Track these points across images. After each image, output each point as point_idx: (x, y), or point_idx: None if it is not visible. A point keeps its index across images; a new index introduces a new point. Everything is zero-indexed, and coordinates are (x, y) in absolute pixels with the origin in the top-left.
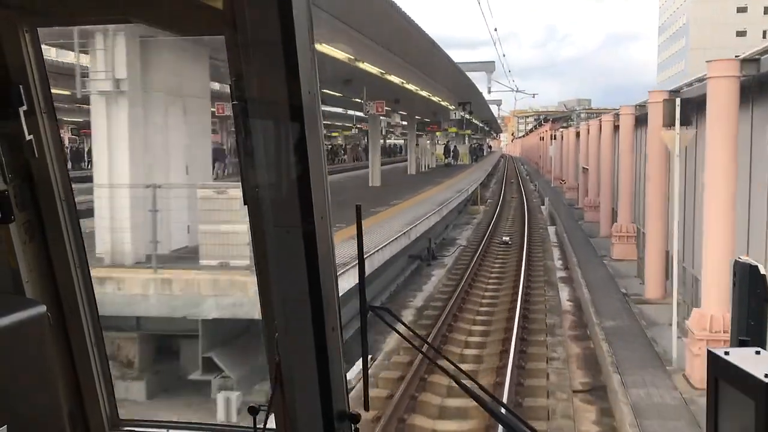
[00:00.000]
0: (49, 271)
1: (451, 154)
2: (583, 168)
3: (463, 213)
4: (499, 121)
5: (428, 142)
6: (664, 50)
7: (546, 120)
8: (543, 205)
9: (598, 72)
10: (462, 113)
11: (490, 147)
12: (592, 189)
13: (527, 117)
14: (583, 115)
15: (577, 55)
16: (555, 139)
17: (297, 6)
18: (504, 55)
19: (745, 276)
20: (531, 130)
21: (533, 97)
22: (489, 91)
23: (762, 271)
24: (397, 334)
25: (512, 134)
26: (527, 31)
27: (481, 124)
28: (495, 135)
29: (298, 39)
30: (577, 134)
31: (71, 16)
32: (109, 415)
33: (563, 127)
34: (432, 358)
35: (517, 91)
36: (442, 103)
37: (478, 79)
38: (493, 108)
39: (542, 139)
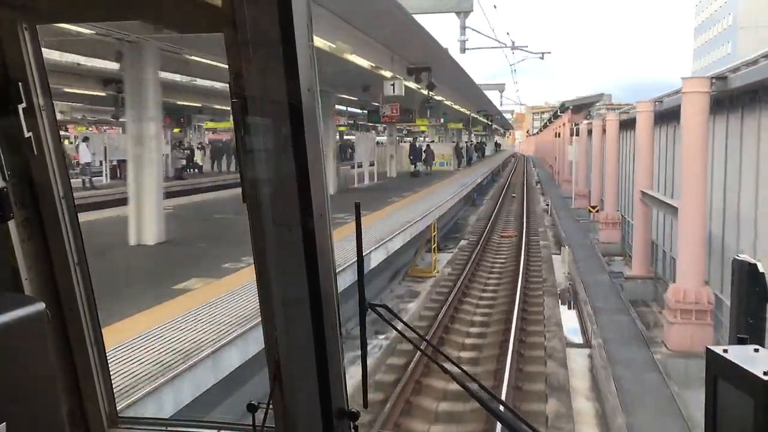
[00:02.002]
0: (48, 268)
1: (423, 156)
2: (644, 195)
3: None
4: (508, 116)
5: (388, 137)
6: (702, 33)
7: (564, 110)
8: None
9: (614, 66)
10: (418, 87)
11: (498, 145)
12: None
13: (543, 113)
14: (602, 111)
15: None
16: (576, 135)
17: (296, 3)
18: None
19: (743, 274)
20: (545, 125)
21: (542, 57)
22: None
23: (761, 269)
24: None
25: (527, 131)
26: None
27: (475, 115)
28: (502, 131)
29: (298, 37)
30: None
31: (71, 13)
32: (108, 412)
33: (588, 119)
34: (431, 356)
35: (514, 47)
36: (382, 71)
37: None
38: (493, 95)
39: (558, 135)
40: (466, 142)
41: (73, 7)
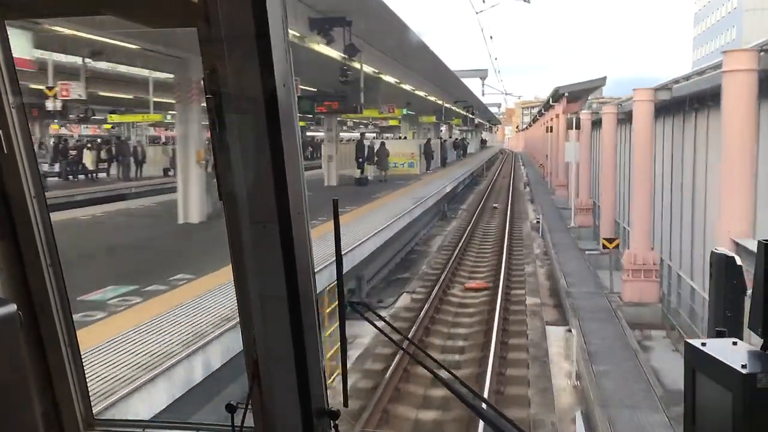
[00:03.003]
0: (19, 269)
1: (375, 156)
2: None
3: None
4: (495, 110)
5: (326, 133)
6: (703, 19)
7: (557, 98)
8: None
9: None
10: (344, 58)
11: (484, 142)
12: None
13: (533, 108)
14: (594, 105)
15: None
16: (575, 128)
17: None
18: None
19: (721, 267)
20: (535, 118)
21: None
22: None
23: (738, 262)
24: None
25: (516, 127)
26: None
27: (451, 106)
28: (488, 126)
29: (272, 32)
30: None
31: (40, 8)
32: (83, 414)
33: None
34: (412, 354)
35: None
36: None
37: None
38: (473, 83)
39: (550, 129)
40: (440, 138)
41: (44, 2)
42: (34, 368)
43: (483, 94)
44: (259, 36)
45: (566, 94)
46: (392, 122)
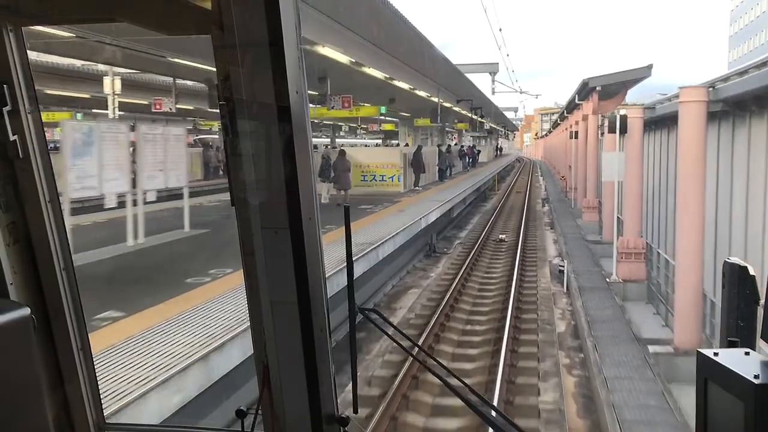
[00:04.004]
0: (33, 273)
1: (332, 170)
2: None
3: None
4: (510, 114)
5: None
6: (741, 15)
7: (585, 94)
8: None
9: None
10: None
11: (499, 150)
12: None
13: (552, 114)
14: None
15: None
16: (619, 132)
17: (284, 6)
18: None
19: (734, 277)
20: (556, 123)
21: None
22: None
23: (751, 272)
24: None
25: (536, 134)
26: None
27: (450, 105)
28: (504, 131)
29: (286, 39)
30: None
31: (57, 15)
32: (95, 418)
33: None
34: (422, 360)
35: None
36: None
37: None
38: (479, 79)
39: (574, 135)
40: (440, 145)
41: (60, 9)
42: (46, 371)
43: (493, 93)
44: (273, 43)
45: (598, 89)
46: (387, 126)
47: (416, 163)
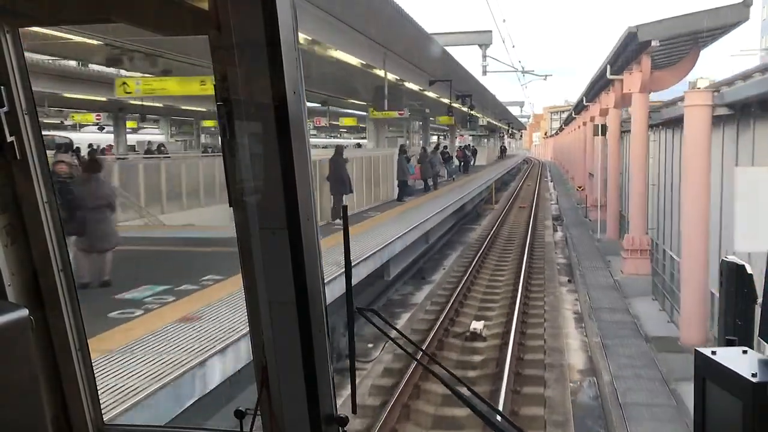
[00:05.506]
0: (31, 274)
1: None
2: None
3: None
4: (516, 110)
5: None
6: None
7: (606, 83)
8: None
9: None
10: None
11: (503, 150)
12: None
13: (562, 113)
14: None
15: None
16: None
17: (281, 6)
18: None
19: (732, 275)
20: (569, 118)
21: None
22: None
23: (749, 270)
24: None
25: (545, 133)
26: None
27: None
28: (509, 129)
29: (283, 39)
30: None
31: (53, 16)
32: (93, 419)
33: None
34: (425, 364)
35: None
36: None
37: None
38: (471, 55)
39: (601, 131)
40: (403, 145)
41: (57, 10)
42: (44, 373)
43: (484, 73)
44: (270, 43)
45: (654, 44)
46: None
47: (336, 176)
